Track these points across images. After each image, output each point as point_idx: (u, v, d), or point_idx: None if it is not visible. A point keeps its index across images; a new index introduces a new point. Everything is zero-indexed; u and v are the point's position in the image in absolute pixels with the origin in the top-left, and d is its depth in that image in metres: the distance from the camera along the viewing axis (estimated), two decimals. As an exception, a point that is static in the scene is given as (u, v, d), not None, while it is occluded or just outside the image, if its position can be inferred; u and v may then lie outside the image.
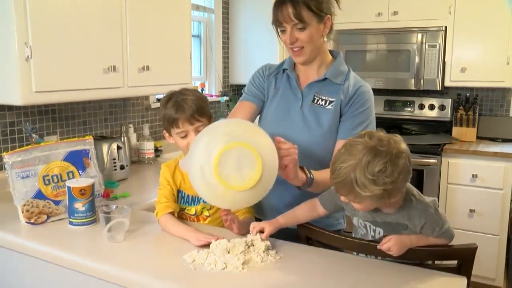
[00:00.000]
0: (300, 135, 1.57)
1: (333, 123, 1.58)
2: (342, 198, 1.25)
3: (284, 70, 1.69)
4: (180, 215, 1.60)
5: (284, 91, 1.67)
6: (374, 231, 1.34)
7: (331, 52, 1.68)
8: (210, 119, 1.56)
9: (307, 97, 1.63)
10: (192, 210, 1.60)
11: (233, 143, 1.20)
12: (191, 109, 1.48)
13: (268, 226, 1.38)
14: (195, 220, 1.60)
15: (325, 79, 1.61)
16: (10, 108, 2.07)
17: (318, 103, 1.60)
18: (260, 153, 1.21)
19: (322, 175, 1.45)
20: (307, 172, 1.42)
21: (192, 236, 1.39)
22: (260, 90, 1.71)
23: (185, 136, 1.52)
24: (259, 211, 1.69)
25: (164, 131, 1.58)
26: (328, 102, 1.59)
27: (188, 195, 1.59)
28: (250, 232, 1.38)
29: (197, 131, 1.50)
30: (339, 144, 1.53)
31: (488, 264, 3.12)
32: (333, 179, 1.20)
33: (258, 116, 1.74)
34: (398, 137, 1.20)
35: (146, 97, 2.89)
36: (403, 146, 1.18)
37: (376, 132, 1.20)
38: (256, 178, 1.19)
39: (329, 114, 1.58)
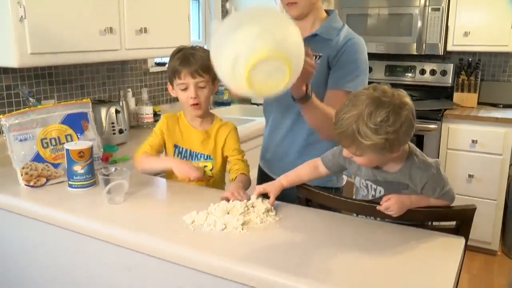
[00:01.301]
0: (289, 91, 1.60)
1: (320, 78, 1.59)
2: (345, 153, 1.25)
3: None
4: None
5: None
6: (375, 190, 1.34)
7: (326, 11, 1.70)
8: (215, 80, 1.56)
9: None
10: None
11: (279, 53, 1.12)
12: (196, 63, 1.50)
13: (274, 191, 1.38)
14: (199, 179, 1.58)
15: (315, 35, 1.64)
16: (6, 71, 2.04)
17: None
18: (291, 66, 1.15)
19: (321, 103, 1.48)
20: (310, 90, 1.42)
21: (174, 164, 1.44)
22: None
23: (185, 89, 1.53)
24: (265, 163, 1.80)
25: (168, 83, 1.60)
26: (317, 57, 1.61)
27: (186, 150, 1.62)
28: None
29: (197, 86, 1.52)
30: (328, 93, 1.60)
31: (484, 228, 3.16)
32: (335, 129, 1.20)
33: None
34: (402, 92, 1.20)
35: (145, 61, 2.85)
36: (407, 99, 1.18)
37: (381, 85, 1.19)
38: (276, 92, 1.18)
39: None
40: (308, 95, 1.41)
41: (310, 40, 1.62)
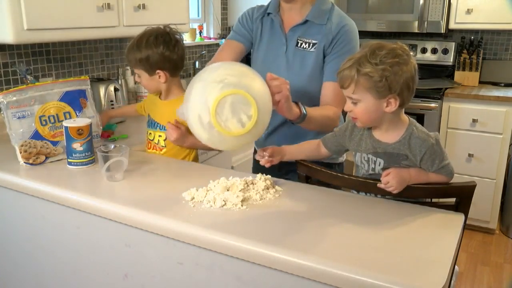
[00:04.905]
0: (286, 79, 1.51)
1: (316, 65, 1.60)
2: (346, 107, 1.29)
3: (268, 14, 1.69)
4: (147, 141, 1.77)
5: (269, 37, 1.69)
6: (375, 162, 1.34)
7: None
8: (152, 70, 1.63)
9: (291, 41, 1.64)
10: (151, 135, 1.72)
11: (227, 91, 1.16)
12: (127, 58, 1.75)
13: (278, 153, 1.41)
14: (154, 148, 1.72)
15: (306, 21, 1.62)
16: (2, 48, 2.02)
17: (302, 46, 1.62)
18: (253, 95, 1.18)
19: (316, 111, 1.48)
20: (302, 107, 1.42)
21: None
22: (248, 31, 1.72)
23: None
24: None
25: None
26: (311, 44, 1.60)
27: (151, 118, 1.73)
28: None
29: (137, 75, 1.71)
30: (326, 86, 1.59)
31: (483, 207, 3.17)
32: (340, 69, 1.26)
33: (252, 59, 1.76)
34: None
35: (143, 39, 2.81)
36: (409, 51, 1.25)
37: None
38: (253, 121, 1.18)
39: (312, 57, 1.60)
40: (303, 113, 1.41)
41: (302, 27, 1.62)
